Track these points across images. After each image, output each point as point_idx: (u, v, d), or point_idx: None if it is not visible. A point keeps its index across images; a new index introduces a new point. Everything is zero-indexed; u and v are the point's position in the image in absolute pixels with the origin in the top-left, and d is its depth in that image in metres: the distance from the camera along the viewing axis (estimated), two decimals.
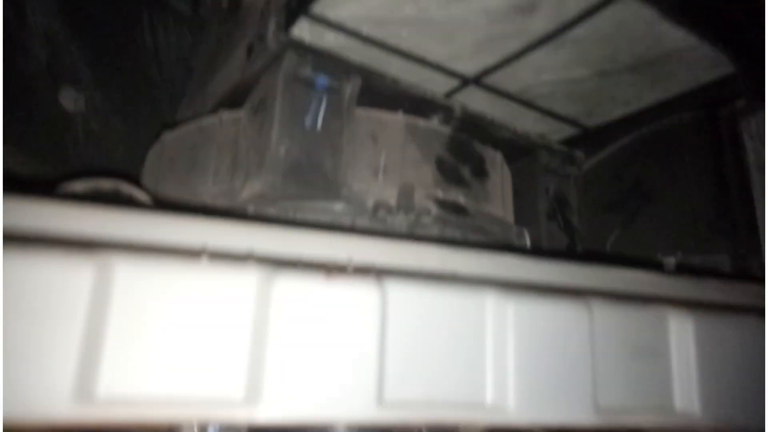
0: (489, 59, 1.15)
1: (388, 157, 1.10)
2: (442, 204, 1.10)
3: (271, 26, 1.04)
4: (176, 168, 1.20)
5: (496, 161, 1.29)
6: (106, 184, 1.10)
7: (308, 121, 1.03)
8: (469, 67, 1.19)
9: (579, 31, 1.03)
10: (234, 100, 1.21)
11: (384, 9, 1.00)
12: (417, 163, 1.13)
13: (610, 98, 1.31)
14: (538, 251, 1.33)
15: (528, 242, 1.27)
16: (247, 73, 1.16)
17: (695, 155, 1.49)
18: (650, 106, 1.35)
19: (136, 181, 1.21)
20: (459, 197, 1.15)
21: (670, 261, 1.54)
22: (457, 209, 1.12)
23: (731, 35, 1.00)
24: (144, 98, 1.68)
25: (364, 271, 0.62)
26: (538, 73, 1.20)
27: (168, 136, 1.27)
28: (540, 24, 1.02)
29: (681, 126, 1.46)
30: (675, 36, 1.02)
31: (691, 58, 1.11)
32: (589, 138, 1.50)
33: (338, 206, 1.03)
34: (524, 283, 0.70)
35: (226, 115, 1.18)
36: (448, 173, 1.16)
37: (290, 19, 1.03)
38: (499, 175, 1.28)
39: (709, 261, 1.48)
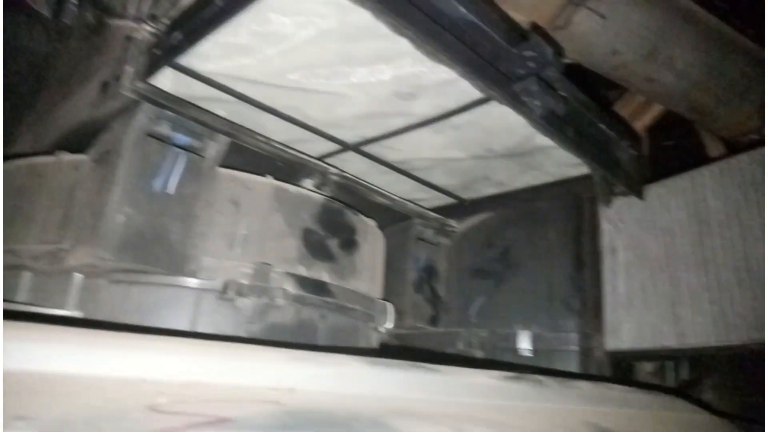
0: (369, 131, 1.11)
1: (249, 227, 1.02)
2: (303, 283, 1.03)
3: (129, 70, 0.92)
4: None
5: (368, 230, 1.25)
6: None
7: (158, 184, 0.92)
8: (348, 135, 1.14)
9: (458, 120, 1.01)
10: (79, 140, 1.07)
11: (259, 71, 0.92)
12: (281, 234, 1.05)
13: (485, 178, 1.33)
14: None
15: (391, 319, 1.23)
16: (97, 112, 1.03)
17: (559, 233, 1.55)
18: (521, 188, 1.39)
19: None
20: (323, 274, 1.09)
21: (525, 334, 1.59)
22: (319, 288, 1.06)
23: (589, 148, 1.04)
24: None
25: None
26: (418, 149, 1.18)
27: None
28: (421, 109, 1.00)
29: (549, 206, 1.52)
30: (543, 137, 1.04)
31: (557, 156, 1.14)
32: (463, 208, 1.52)
33: (183, 282, 0.93)
34: None
35: (67, 158, 1.03)
36: (314, 247, 1.09)
37: (153, 65, 0.91)
38: (371, 245, 1.25)
39: (560, 338, 1.55)
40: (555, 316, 1.56)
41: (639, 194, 1.17)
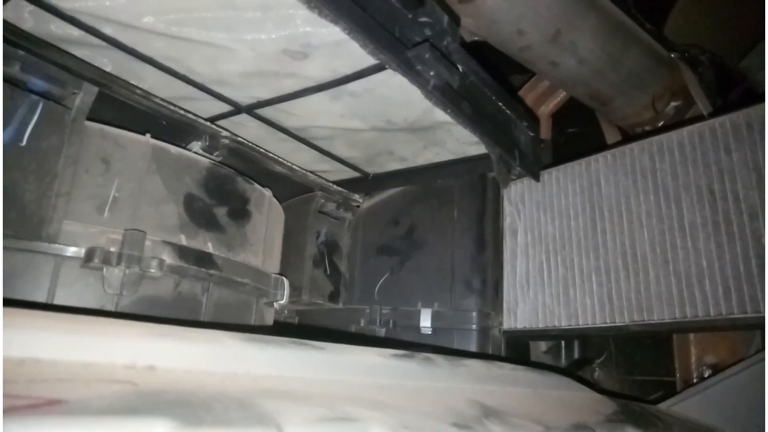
0: (261, 92, 1.03)
1: (121, 189, 0.91)
2: (183, 253, 0.94)
3: None
4: None
5: (263, 201, 1.17)
6: None
7: (8, 135, 0.80)
8: (239, 95, 1.05)
9: (354, 87, 0.96)
10: None
11: (129, 12, 0.82)
12: (159, 199, 0.95)
13: (388, 152, 1.29)
14: None
15: (285, 294, 1.17)
16: None
17: (463, 213, 1.56)
18: (425, 165, 1.37)
19: None
20: (207, 244, 1.00)
21: (427, 312, 1.59)
22: (201, 259, 0.97)
23: (486, 125, 1.02)
24: None
25: None
26: (315, 116, 1.11)
27: None
28: (314, 71, 0.93)
29: (453, 185, 1.52)
30: (441, 112, 1.01)
31: (457, 132, 1.12)
32: (368, 182, 1.48)
33: (38, 247, 0.82)
34: None
35: None
36: (198, 214, 1.00)
37: None
38: (266, 216, 1.17)
39: (460, 316, 1.56)
40: (456, 295, 1.56)
41: (536, 176, 1.18)
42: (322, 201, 1.35)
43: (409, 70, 0.81)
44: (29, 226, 0.81)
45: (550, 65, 1.45)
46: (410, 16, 0.81)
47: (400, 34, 0.80)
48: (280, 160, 1.25)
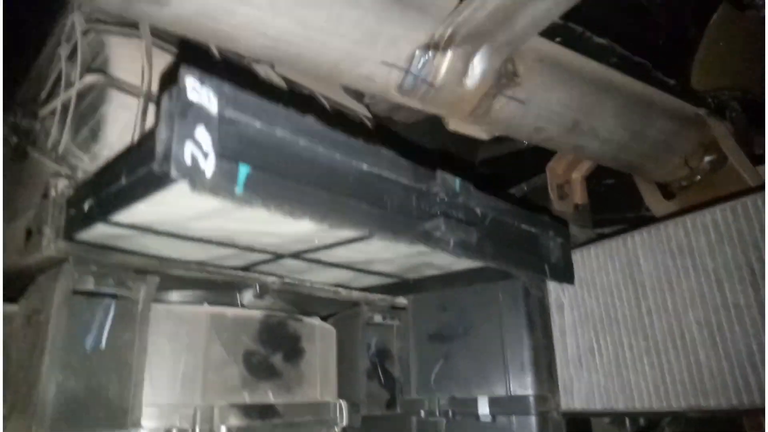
0: (300, 247, 1.12)
1: (187, 364, 1.03)
2: (247, 412, 1.04)
3: (48, 230, 0.92)
4: None
5: (314, 332, 1.27)
6: None
7: (90, 342, 0.92)
8: (281, 250, 1.15)
9: None
10: (11, 283, 1.06)
11: (182, 225, 0.93)
12: (222, 364, 1.06)
13: (425, 265, 1.36)
14: None
15: (345, 417, 1.26)
16: (24, 261, 1.02)
17: (507, 293, 1.59)
18: (464, 270, 1.43)
19: None
20: (268, 394, 1.10)
21: (484, 399, 1.63)
22: (265, 412, 1.07)
23: (512, 255, 1.08)
24: None
25: None
26: (352, 255, 1.19)
27: None
28: (347, 234, 1.01)
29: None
30: None
31: None
32: (410, 286, 1.55)
33: None
34: None
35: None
36: (257, 368, 1.11)
37: (71, 227, 0.91)
38: (319, 345, 1.26)
39: (517, 401, 1.59)
40: (511, 378, 1.60)
41: (569, 281, 1.22)
42: (369, 314, 1.43)
43: (428, 239, 0.88)
44: (116, 419, 0.93)
45: (573, 149, 1.49)
46: (424, 189, 0.89)
47: (415, 212, 0.88)
48: (324, 288, 1.34)
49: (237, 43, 1.01)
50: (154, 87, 1.12)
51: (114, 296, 0.97)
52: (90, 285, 0.94)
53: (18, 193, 1.16)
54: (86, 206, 0.84)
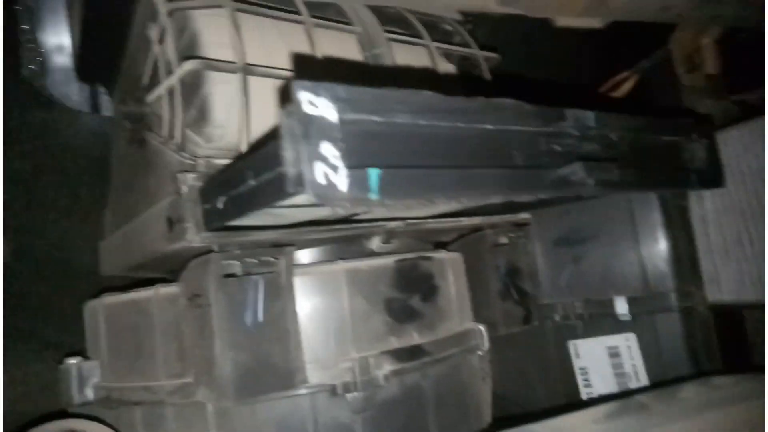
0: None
1: (337, 320, 1.09)
2: (399, 356, 1.10)
3: (189, 224, 0.97)
4: (124, 354, 1.17)
5: (444, 266, 1.28)
6: (78, 426, 1.08)
7: (249, 318, 1.00)
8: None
9: None
10: (163, 263, 1.17)
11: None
12: (367, 314, 1.11)
13: None
14: None
15: (486, 341, 1.30)
16: (171, 247, 1.10)
17: (641, 194, 1.50)
18: None
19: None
20: (413, 335, 1.15)
21: (621, 299, 1.60)
22: (414, 353, 1.13)
23: (657, 175, 0.98)
24: None
25: None
26: None
27: (100, 308, 1.22)
28: None
29: None
30: None
31: None
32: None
33: (296, 392, 1.03)
34: None
35: (162, 291, 1.13)
36: (399, 312, 1.15)
37: (210, 221, 0.95)
38: (451, 278, 1.28)
39: (658, 298, 1.55)
40: (649, 274, 1.55)
41: (720, 184, 1.11)
42: (494, 237, 1.42)
43: (566, 187, 0.82)
44: (286, 381, 1.02)
45: (708, 20, 1.27)
46: (555, 131, 0.82)
47: (548, 153, 0.81)
48: (446, 222, 1.32)
49: None
50: (247, 54, 1.09)
51: (260, 273, 1.02)
52: (237, 269, 0.99)
53: (147, 179, 1.22)
54: (219, 204, 0.87)
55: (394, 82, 0.68)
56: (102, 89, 1.56)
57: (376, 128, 0.64)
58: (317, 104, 0.59)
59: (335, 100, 0.61)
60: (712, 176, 1.09)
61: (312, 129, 0.59)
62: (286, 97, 0.60)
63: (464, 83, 1.43)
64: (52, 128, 1.51)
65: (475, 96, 0.75)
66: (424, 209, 1.17)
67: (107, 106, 1.56)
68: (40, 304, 1.48)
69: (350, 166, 0.61)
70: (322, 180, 0.58)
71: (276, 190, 0.67)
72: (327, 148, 0.59)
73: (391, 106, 0.65)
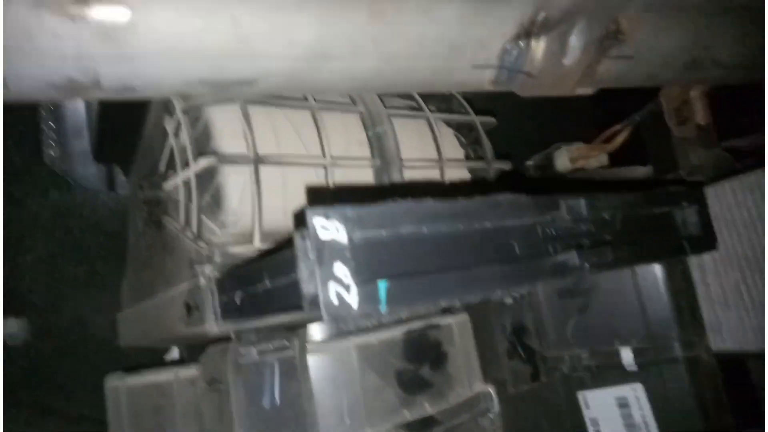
0: None
1: (350, 397, 1.12)
2: (411, 428, 1.14)
3: (209, 316, 1.02)
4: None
5: (452, 331, 1.32)
6: None
7: (267, 401, 1.04)
8: None
9: None
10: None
11: None
12: (378, 389, 1.15)
13: None
14: None
15: (495, 403, 1.33)
16: (190, 331, 1.15)
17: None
18: None
19: None
20: (425, 406, 1.19)
21: (627, 350, 1.63)
22: (426, 425, 1.16)
23: (649, 245, 1.02)
24: None
25: None
26: None
27: (122, 390, 1.26)
28: None
29: None
30: None
31: None
32: None
33: None
34: None
35: (182, 374, 1.18)
36: (410, 384, 1.19)
37: (227, 314, 1.01)
38: (459, 342, 1.32)
39: (663, 348, 1.57)
40: (651, 325, 1.57)
41: (712, 247, 1.15)
42: (498, 297, 1.45)
43: (562, 273, 0.87)
44: None
45: (694, 83, 1.34)
46: (549, 220, 0.87)
47: (544, 241, 0.86)
48: None
49: (326, 94, 1.01)
50: (258, 141, 1.15)
51: (275, 356, 1.06)
52: (254, 356, 1.04)
53: (164, 260, 1.27)
54: (237, 299, 0.92)
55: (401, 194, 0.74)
56: (118, 169, 1.63)
57: (382, 242, 0.69)
58: (329, 228, 0.65)
59: (344, 220, 0.66)
60: (705, 240, 1.14)
61: (325, 253, 0.64)
62: (300, 221, 0.66)
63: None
64: (71, 209, 1.58)
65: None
66: None
67: (123, 185, 1.63)
68: (63, 381, 1.52)
69: (360, 282, 0.66)
70: (335, 300, 0.63)
71: (291, 296, 0.72)
72: (339, 268, 0.65)
73: (395, 219, 0.71)
